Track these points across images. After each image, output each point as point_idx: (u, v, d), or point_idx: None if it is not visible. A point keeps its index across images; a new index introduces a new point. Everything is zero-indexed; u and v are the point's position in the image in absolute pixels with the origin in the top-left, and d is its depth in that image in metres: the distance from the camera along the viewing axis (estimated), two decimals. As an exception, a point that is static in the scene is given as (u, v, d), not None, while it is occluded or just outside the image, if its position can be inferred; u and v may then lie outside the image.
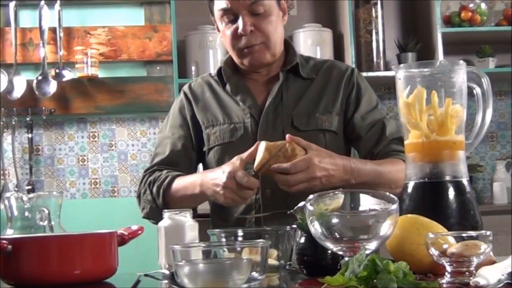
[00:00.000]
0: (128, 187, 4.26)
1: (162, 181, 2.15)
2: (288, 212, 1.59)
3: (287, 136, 1.93)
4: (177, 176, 2.16)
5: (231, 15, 2.14)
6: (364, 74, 4.02)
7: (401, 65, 1.69)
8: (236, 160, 1.95)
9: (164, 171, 2.20)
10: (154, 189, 2.16)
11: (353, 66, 3.87)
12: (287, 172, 1.86)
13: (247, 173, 1.91)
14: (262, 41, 2.14)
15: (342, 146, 2.22)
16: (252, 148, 1.95)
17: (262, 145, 1.91)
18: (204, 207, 2.37)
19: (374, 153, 2.18)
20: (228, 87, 2.26)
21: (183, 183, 2.12)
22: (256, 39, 2.14)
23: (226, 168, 1.95)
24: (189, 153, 2.26)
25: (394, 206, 1.33)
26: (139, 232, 1.68)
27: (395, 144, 2.16)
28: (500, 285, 1.21)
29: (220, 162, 2.19)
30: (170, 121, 2.31)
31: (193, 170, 2.28)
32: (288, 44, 2.29)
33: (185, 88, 2.34)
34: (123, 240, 1.62)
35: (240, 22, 2.12)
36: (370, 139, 2.19)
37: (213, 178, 1.98)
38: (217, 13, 2.18)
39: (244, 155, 1.95)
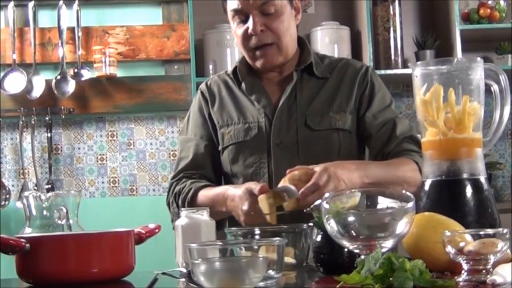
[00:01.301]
0: (147, 185, 4.27)
1: (186, 194, 2.17)
2: (305, 211, 1.59)
3: (287, 172, 1.89)
4: (201, 188, 2.16)
5: (242, 15, 2.16)
6: (382, 71, 4.00)
7: (418, 62, 1.68)
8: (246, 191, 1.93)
9: (188, 182, 2.20)
10: (180, 202, 2.18)
11: (371, 63, 3.89)
12: (316, 188, 1.82)
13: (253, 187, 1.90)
14: (273, 40, 2.15)
15: (355, 145, 2.22)
16: (263, 184, 1.92)
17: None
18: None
19: (385, 152, 2.17)
20: (243, 86, 2.26)
21: (206, 200, 2.11)
22: (267, 39, 2.15)
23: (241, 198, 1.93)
24: (213, 152, 2.27)
25: (411, 204, 1.32)
26: (156, 230, 1.69)
27: (406, 143, 2.15)
28: (518, 283, 1.20)
29: (234, 161, 2.20)
30: (191, 121, 2.32)
31: (219, 169, 2.28)
32: (303, 43, 2.29)
33: (202, 86, 2.35)
34: (140, 239, 1.63)
35: (250, 22, 2.13)
36: (380, 137, 2.18)
37: (233, 203, 1.97)
38: (229, 14, 2.20)
39: (257, 189, 1.89)
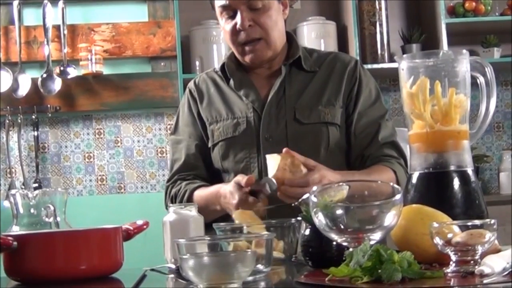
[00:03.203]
0: (135, 183, 4.26)
1: (182, 196, 2.19)
2: (293, 205, 1.59)
3: (284, 149, 1.93)
4: (196, 189, 2.18)
5: (230, 11, 2.16)
6: (369, 66, 4.01)
7: (404, 55, 1.69)
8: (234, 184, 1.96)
9: (183, 184, 2.22)
10: None
11: (357, 58, 3.88)
12: (305, 185, 1.86)
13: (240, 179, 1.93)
14: (261, 35, 2.16)
15: (344, 138, 2.22)
16: (250, 175, 1.97)
17: (272, 159, 1.92)
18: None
19: (365, 155, 2.19)
20: (232, 82, 2.26)
21: (201, 200, 2.12)
22: (255, 34, 2.15)
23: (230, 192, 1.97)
24: (204, 151, 2.28)
25: (398, 197, 1.32)
26: (144, 227, 1.69)
27: (387, 149, 2.18)
28: (505, 273, 1.20)
29: (224, 157, 2.20)
30: (181, 121, 2.33)
31: (212, 167, 2.28)
32: (291, 37, 2.29)
33: (190, 85, 2.36)
34: (128, 235, 1.63)
35: (238, 17, 2.14)
36: (362, 140, 2.20)
37: (226, 199, 2.00)
38: (217, 10, 2.21)
39: (243, 181, 1.94)
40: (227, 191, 1.99)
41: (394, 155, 2.18)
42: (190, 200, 2.16)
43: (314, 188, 1.38)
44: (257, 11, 2.14)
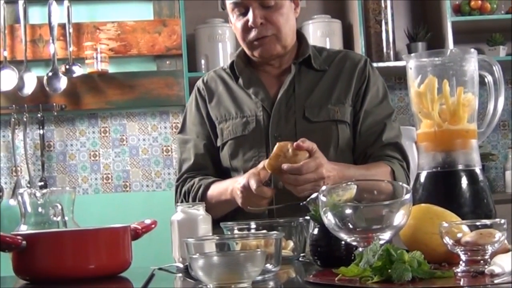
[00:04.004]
0: (140, 181, 4.27)
1: (196, 190, 2.18)
2: (301, 204, 1.59)
3: (300, 140, 1.92)
4: (211, 183, 2.17)
5: (242, 8, 2.15)
6: (375, 64, 3.96)
7: (412, 54, 1.68)
8: (255, 169, 1.96)
9: (196, 179, 2.21)
10: (190, 200, 2.18)
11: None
12: (298, 172, 1.86)
13: (260, 181, 1.91)
14: (272, 33, 2.15)
15: (353, 136, 2.22)
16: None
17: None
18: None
19: (368, 154, 2.19)
20: (240, 80, 2.26)
21: (217, 190, 2.14)
22: (266, 31, 2.14)
23: (247, 174, 1.96)
24: (212, 151, 2.27)
25: (407, 196, 1.32)
26: (153, 226, 1.69)
27: (389, 150, 2.18)
28: (516, 273, 1.20)
29: (233, 156, 2.20)
30: (189, 120, 2.32)
31: (221, 167, 2.27)
32: (301, 36, 2.29)
33: (199, 83, 2.35)
34: (136, 234, 1.63)
35: (250, 15, 2.13)
36: (366, 139, 2.20)
37: (238, 183, 1.99)
38: (228, 6, 2.19)
39: (260, 165, 1.96)
40: (243, 179, 1.98)
41: (396, 157, 2.17)
42: (204, 194, 2.15)
43: (324, 187, 1.38)
44: (269, 9, 2.14)
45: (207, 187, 2.16)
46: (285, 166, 1.87)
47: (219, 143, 2.25)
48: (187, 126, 2.32)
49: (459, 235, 1.28)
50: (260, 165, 1.96)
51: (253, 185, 1.90)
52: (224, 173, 2.25)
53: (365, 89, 2.23)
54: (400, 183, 1.39)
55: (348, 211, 1.31)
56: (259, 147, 2.17)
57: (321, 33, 4.11)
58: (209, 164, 2.27)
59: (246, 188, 1.93)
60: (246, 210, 1.97)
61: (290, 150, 1.89)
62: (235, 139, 2.21)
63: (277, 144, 1.92)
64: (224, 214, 2.09)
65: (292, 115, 2.18)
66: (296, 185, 1.88)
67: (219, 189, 2.13)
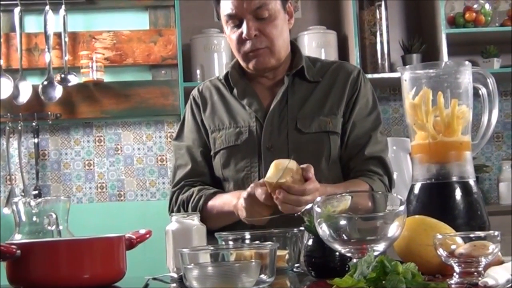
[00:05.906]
0: (135, 191, 4.26)
1: (196, 201, 2.17)
2: (296, 215, 1.59)
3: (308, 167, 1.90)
4: (213, 194, 2.16)
5: (236, 20, 2.16)
6: (369, 75, 4.01)
7: (407, 66, 1.69)
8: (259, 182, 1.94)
9: (195, 189, 2.20)
10: (190, 210, 2.16)
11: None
12: (301, 194, 1.83)
13: (266, 192, 1.89)
14: (266, 45, 2.16)
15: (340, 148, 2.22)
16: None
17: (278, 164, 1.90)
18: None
19: (350, 167, 2.19)
20: (235, 91, 2.26)
21: (220, 200, 2.13)
22: (261, 43, 2.15)
23: (253, 184, 1.94)
24: (209, 158, 2.27)
25: (402, 208, 1.33)
26: (147, 236, 1.68)
27: (372, 165, 2.17)
28: (509, 285, 1.20)
29: (225, 166, 2.20)
30: (186, 126, 2.33)
31: (217, 174, 2.27)
32: (295, 47, 2.29)
33: (194, 92, 2.36)
34: (131, 244, 1.63)
35: (244, 27, 2.14)
36: (350, 151, 2.20)
37: (243, 196, 1.97)
38: (223, 18, 2.20)
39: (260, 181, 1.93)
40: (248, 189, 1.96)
41: (378, 172, 2.17)
42: (205, 205, 2.14)
43: (318, 198, 1.38)
44: (263, 21, 2.14)
45: (209, 198, 2.16)
46: (290, 185, 1.83)
47: (212, 152, 2.25)
48: (184, 132, 2.32)
49: (453, 247, 1.29)
50: (260, 181, 1.94)
51: (260, 194, 1.88)
52: (218, 181, 2.25)
53: (355, 100, 2.23)
54: (394, 195, 1.39)
55: (343, 222, 1.32)
56: (251, 158, 2.17)
57: (317, 44, 4.12)
58: (207, 171, 2.26)
59: (251, 196, 1.91)
60: (247, 222, 1.97)
61: (295, 168, 1.86)
62: (228, 149, 2.21)
63: (284, 162, 1.89)
64: (222, 226, 2.08)
65: (284, 126, 2.18)
66: (296, 205, 1.84)
67: (223, 200, 2.12)
